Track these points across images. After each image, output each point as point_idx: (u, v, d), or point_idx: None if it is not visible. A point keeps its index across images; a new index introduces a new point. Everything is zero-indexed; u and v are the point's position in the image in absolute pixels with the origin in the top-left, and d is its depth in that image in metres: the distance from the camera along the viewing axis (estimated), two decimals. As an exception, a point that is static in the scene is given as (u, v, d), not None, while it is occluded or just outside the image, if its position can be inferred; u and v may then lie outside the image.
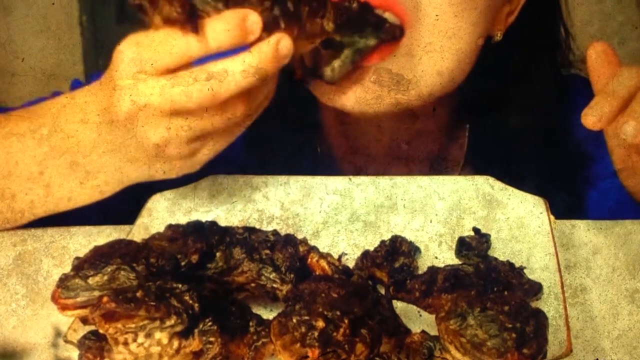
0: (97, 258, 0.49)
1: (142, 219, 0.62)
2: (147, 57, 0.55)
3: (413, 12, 0.64)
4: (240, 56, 0.55)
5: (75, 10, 1.47)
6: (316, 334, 0.45)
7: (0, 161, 0.62)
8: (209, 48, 0.55)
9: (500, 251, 0.59)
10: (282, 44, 0.56)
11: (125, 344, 0.46)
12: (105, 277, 0.47)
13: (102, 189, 0.62)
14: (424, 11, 0.64)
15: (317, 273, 0.55)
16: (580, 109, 0.52)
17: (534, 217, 0.61)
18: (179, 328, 0.46)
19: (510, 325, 0.44)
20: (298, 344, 0.45)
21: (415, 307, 0.52)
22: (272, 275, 0.53)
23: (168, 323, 0.46)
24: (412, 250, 0.59)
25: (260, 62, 0.55)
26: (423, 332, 0.48)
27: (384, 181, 0.67)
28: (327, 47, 0.62)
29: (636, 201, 0.66)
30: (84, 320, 0.49)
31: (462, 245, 0.59)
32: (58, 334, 0.51)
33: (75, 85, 0.77)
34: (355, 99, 0.67)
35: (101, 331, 0.46)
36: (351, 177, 0.67)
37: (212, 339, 0.47)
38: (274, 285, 0.53)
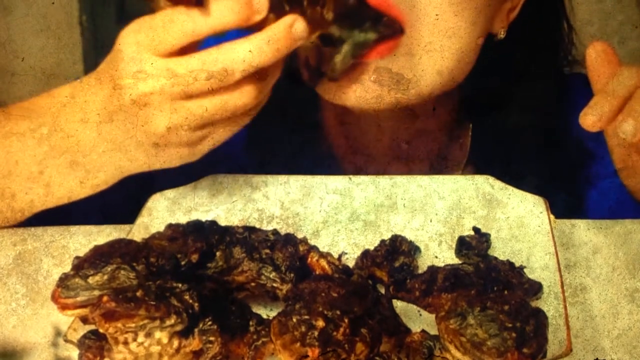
0: (97, 257, 0.49)
1: (142, 219, 0.62)
2: (147, 56, 0.55)
3: (410, 13, 0.64)
4: (254, 35, 0.55)
5: (75, 10, 1.47)
6: (316, 333, 0.45)
7: (0, 160, 0.63)
8: (214, 26, 0.54)
9: (500, 250, 0.59)
10: (296, 25, 0.56)
11: (125, 343, 0.46)
12: (105, 277, 0.47)
13: (102, 189, 0.62)
14: (422, 11, 0.64)
15: (317, 272, 0.54)
16: (581, 108, 0.52)
17: (534, 217, 0.61)
18: (179, 327, 0.46)
19: (510, 325, 0.44)
20: (298, 343, 0.45)
21: (415, 306, 0.52)
22: (272, 275, 0.53)
23: (168, 322, 0.46)
24: (412, 249, 0.59)
25: (273, 41, 0.55)
26: (423, 331, 0.48)
27: (384, 180, 0.67)
28: (327, 44, 0.62)
29: (636, 200, 0.66)
30: (84, 320, 0.49)
31: (462, 245, 0.59)
32: (58, 333, 0.51)
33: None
34: (356, 98, 0.67)
35: (101, 330, 0.46)
36: (351, 176, 0.67)
37: (212, 338, 0.47)
38: (274, 285, 0.53)
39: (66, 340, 0.49)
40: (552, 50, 0.78)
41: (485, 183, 0.65)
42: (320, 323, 0.45)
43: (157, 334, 0.46)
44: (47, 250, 0.63)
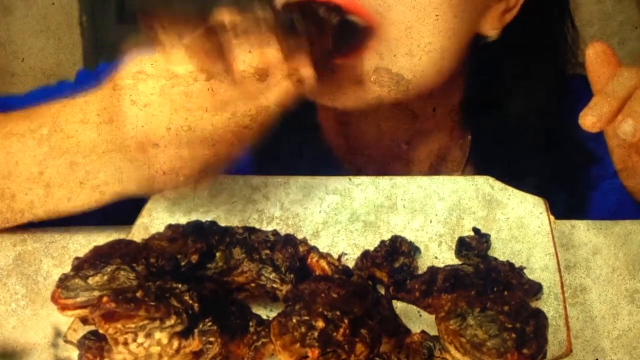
0: (97, 258, 0.49)
1: (142, 219, 0.62)
2: (147, 56, 0.55)
3: (378, 16, 0.64)
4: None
5: (75, 10, 1.47)
6: (316, 334, 0.45)
7: (0, 161, 0.62)
8: (233, 80, 0.55)
9: (500, 251, 0.59)
10: (305, 77, 0.57)
11: (125, 344, 0.46)
12: (105, 277, 0.47)
13: (102, 189, 0.62)
14: (423, 12, 0.64)
15: (317, 273, 0.55)
16: (581, 109, 0.52)
17: (534, 217, 0.61)
18: (178, 328, 0.46)
19: (510, 325, 0.44)
20: (298, 344, 0.45)
21: (415, 307, 0.52)
22: (272, 275, 0.53)
23: (168, 323, 0.46)
24: (412, 250, 0.59)
25: (281, 96, 0.56)
26: (423, 332, 0.48)
27: (384, 181, 0.67)
28: None
29: (636, 201, 0.66)
30: (84, 320, 0.49)
31: (462, 245, 0.59)
32: (58, 334, 0.51)
33: (81, 76, 0.77)
34: (355, 99, 0.67)
35: (101, 331, 0.46)
36: (351, 177, 0.67)
37: (212, 339, 0.47)
38: (274, 285, 0.53)
39: (66, 341, 0.49)
40: (553, 51, 0.78)
41: (485, 184, 0.65)
42: (320, 324, 0.45)
43: (157, 335, 0.46)
44: (47, 251, 0.63)
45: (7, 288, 0.59)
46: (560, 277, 0.53)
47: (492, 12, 0.71)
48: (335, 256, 0.56)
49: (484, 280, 0.51)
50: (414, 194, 0.65)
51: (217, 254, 0.54)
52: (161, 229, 0.57)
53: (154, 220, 0.63)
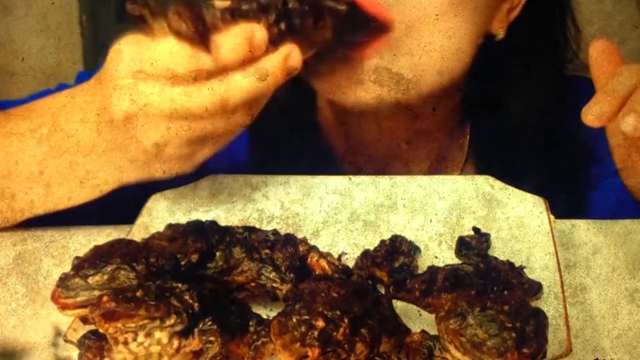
0: (97, 257, 0.49)
1: (142, 219, 0.62)
2: (147, 56, 0.55)
3: (410, 13, 0.64)
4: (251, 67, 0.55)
5: (75, 10, 1.47)
6: (316, 333, 0.45)
7: (0, 160, 0.62)
8: (216, 64, 0.55)
9: (500, 251, 0.59)
10: (292, 55, 0.56)
11: (125, 343, 0.46)
12: (105, 277, 0.47)
13: (102, 189, 0.62)
14: (422, 11, 0.64)
15: (317, 272, 0.54)
16: (581, 109, 0.52)
17: (534, 217, 0.61)
18: (178, 327, 0.46)
19: (510, 325, 0.44)
20: (298, 344, 0.45)
21: (415, 306, 0.52)
22: (272, 275, 0.53)
23: (168, 322, 0.46)
24: (412, 249, 0.59)
25: (269, 72, 0.55)
26: (423, 331, 0.48)
27: (384, 181, 0.67)
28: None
29: (637, 200, 0.66)
30: (84, 320, 0.49)
31: (462, 245, 0.59)
32: (58, 333, 0.51)
33: (82, 77, 0.77)
34: (356, 98, 0.67)
35: (101, 331, 0.46)
36: (351, 176, 0.67)
37: (212, 338, 0.47)
38: (274, 285, 0.53)
39: (66, 341, 0.49)
40: (553, 51, 0.78)
41: (485, 183, 0.65)
42: (320, 323, 0.45)
43: (157, 334, 0.46)
44: (47, 251, 0.63)
45: (7, 287, 0.59)
46: (560, 276, 0.53)
47: (500, 11, 0.71)
48: (335, 256, 0.56)
49: (484, 280, 0.51)
50: (414, 194, 0.65)
51: (217, 254, 0.54)
52: (161, 228, 0.57)
53: (154, 220, 0.63)
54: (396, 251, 0.58)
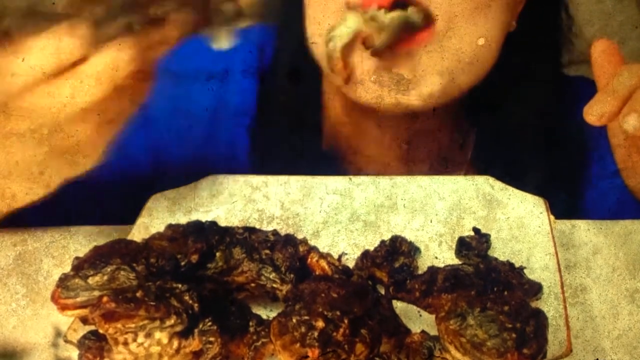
0: (97, 258, 0.49)
1: (142, 219, 0.62)
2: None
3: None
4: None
5: (75, 9, 1.47)
6: (316, 334, 0.45)
7: (0, 161, 0.62)
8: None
9: (500, 251, 0.59)
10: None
11: (125, 343, 0.46)
12: (105, 277, 0.47)
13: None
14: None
15: (317, 273, 0.54)
16: (582, 109, 0.52)
17: (534, 217, 0.61)
18: (178, 328, 0.46)
19: (510, 325, 0.44)
20: (298, 344, 0.45)
21: (415, 307, 0.52)
22: (272, 275, 0.53)
23: (168, 323, 0.46)
24: (412, 250, 0.59)
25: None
26: (423, 332, 0.48)
27: (384, 181, 0.67)
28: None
29: (637, 200, 0.66)
30: (84, 320, 0.49)
31: (462, 245, 0.59)
32: (58, 333, 0.51)
33: None
34: (356, 98, 0.67)
35: (101, 331, 0.46)
36: (351, 176, 0.67)
37: (212, 338, 0.47)
38: (274, 285, 0.53)
39: (66, 341, 0.49)
40: (553, 50, 0.78)
41: (486, 183, 0.65)
42: (320, 324, 0.45)
43: (157, 335, 0.46)
44: (47, 251, 0.63)
45: (7, 288, 0.59)
46: (561, 276, 0.53)
47: (515, 7, 0.71)
48: (336, 256, 0.56)
49: (484, 280, 0.51)
50: (414, 194, 0.65)
51: (217, 254, 0.54)
52: (161, 228, 0.57)
53: (154, 220, 0.63)
54: (396, 252, 0.58)
